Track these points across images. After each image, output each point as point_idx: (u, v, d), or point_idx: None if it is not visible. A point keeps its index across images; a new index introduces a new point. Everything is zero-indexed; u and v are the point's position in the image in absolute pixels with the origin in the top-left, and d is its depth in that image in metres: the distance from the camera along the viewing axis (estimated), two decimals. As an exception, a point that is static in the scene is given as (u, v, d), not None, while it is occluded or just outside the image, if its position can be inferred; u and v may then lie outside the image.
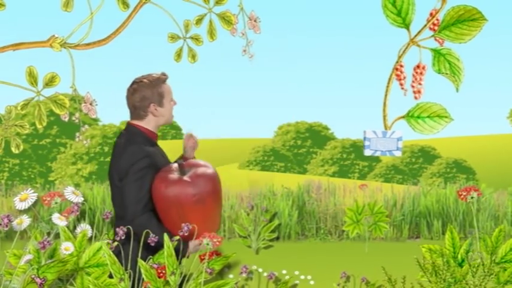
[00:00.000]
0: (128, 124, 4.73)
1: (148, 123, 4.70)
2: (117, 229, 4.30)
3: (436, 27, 4.41)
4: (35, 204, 4.49)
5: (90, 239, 4.54)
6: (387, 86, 4.45)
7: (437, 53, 4.43)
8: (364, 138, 4.58)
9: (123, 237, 4.26)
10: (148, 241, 4.28)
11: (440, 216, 15.56)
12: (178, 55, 4.60)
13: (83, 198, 4.63)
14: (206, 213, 4.47)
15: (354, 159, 47.88)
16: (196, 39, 4.59)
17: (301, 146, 50.54)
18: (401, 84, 4.47)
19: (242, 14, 4.63)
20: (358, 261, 11.87)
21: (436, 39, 4.44)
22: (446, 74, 4.41)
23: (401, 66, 4.45)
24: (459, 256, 5.00)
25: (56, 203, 4.70)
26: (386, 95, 4.46)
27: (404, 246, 14.39)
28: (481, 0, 4.50)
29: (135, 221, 4.42)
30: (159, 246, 4.35)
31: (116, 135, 34.77)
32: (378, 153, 4.58)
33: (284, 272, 10.53)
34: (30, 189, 4.51)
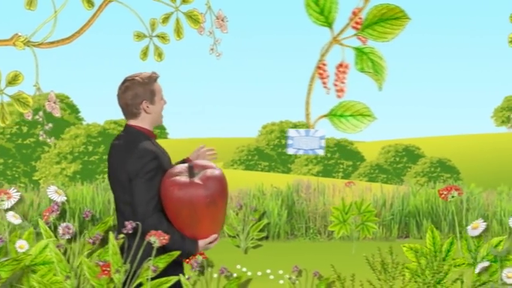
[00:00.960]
0: (127, 126, 4.71)
1: (143, 122, 4.67)
2: (126, 222, 4.32)
3: (359, 26, 4.40)
4: (18, 203, 4.48)
5: (74, 238, 4.51)
6: (310, 85, 4.46)
7: (360, 52, 4.42)
8: (287, 137, 4.60)
9: (130, 232, 4.29)
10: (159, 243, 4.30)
11: (429, 215, 15.58)
12: (145, 53, 4.63)
13: (66, 198, 4.60)
14: (217, 214, 4.53)
15: (338, 159, 48.00)
16: (162, 37, 4.62)
17: (285, 145, 50.61)
18: (324, 83, 4.47)
19: (210, 13, 4.63)
20: (344, 260, 11.84)
21: (358, 38, 4.43)
22: (369, 72, 4.40)
23: (324, 65, 4.45)
24: (440, 255, 4.99)
25: (2, 200, 4.66)
26: (309, 94, 4.48)
27: (394, 246, 14.37)
28: (405, -1, 4.56)
29: (145, 221, 4.43)
30: (169, 247, 4.40)
31: (100, 135, 34.51)
32: (300, 152, 4.60)
33: (268, 271, 10.55)
34: (13, 188, 4.49)
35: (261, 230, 13.77)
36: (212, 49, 4.71)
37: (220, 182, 4.52)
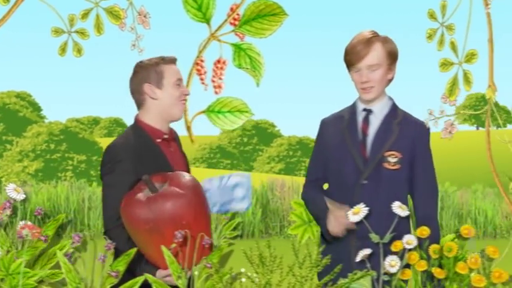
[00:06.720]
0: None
1: (149, 114, 3.94)
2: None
3: (236, 22, 4.46)
4: None
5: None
6: (188, 81, 4.47)
7: (237, 48, 4.48)
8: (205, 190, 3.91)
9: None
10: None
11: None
12: (63, 49, 4.52)
13: (24, 195, 4.50)
14: (164, 243, 3.50)
15: (300, 157, 48.14)
16: (82, 33, 4.53)
17: (248, 143, 50.67)
18: (201, 79, 4.51)
19: (131, 9, 4.58)
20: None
21: (236, 34, 4.49)
22: (247, 68, 4.46)
23: (201, 61, 4.50)
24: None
25: None
26: None
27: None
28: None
29: (107, 232, 3.81)
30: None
31: (62, 133, 34.10)
32: (218, 209, 4.07)
33: (243, 270, 10.47)
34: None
35: (234, 229, 13.70)
36: (134, 45, 4.61)
37: (181, 200, 3.58)
